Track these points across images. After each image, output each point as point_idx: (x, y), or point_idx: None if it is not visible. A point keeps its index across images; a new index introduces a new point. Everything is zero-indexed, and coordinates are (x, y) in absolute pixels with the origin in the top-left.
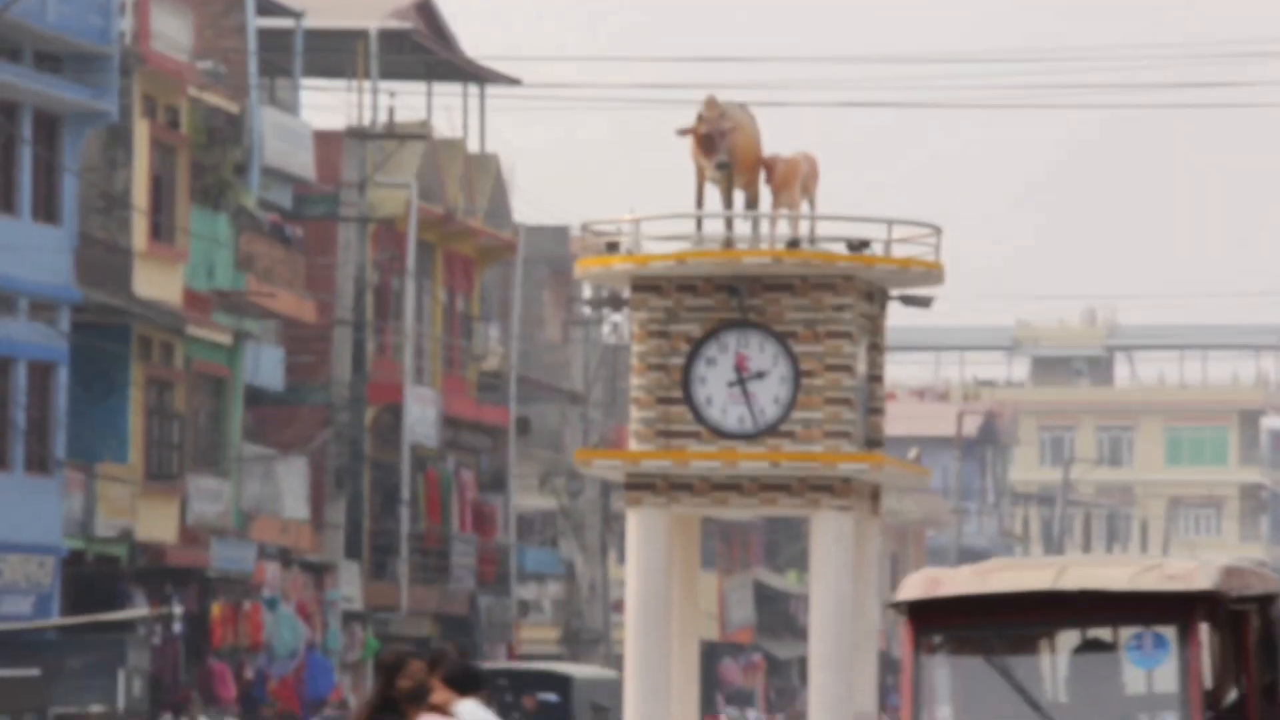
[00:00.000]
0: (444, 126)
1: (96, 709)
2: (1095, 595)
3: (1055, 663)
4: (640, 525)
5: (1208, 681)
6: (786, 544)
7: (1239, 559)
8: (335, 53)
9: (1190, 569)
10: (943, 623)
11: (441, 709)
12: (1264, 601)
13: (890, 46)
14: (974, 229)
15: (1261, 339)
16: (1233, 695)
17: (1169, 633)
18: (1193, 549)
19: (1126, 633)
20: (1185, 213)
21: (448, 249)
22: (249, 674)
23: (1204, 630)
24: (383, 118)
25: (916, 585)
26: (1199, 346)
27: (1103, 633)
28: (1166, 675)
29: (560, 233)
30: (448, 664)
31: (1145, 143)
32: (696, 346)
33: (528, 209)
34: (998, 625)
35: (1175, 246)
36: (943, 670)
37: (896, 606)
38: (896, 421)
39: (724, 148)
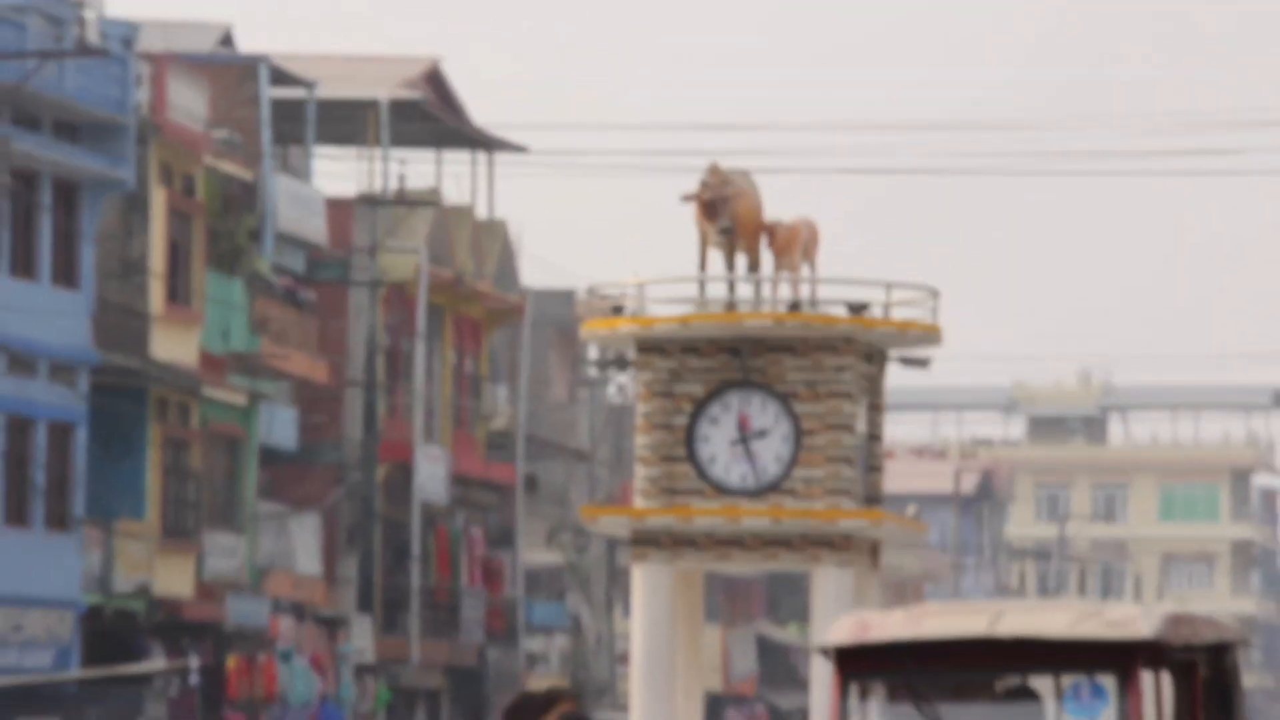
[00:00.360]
0: (453, 193)
1: None
2: (1031, 642)
3: (989, 712)
4: (645, 580)
5: None
6: (788, 597)
7: (1189, 609)
8: (347, 122)
9: (1131, 616)
10: (872, 669)
11: None
12: (1216, 651)
13: (889, 114)
14: (971, 291)
15: (1252, 399)
16: None
17: (1108, 682)
18: (1185, 603)
19: (1065, 682)
20: (1179, 275)
21: (457, 312)
22: None
23: (1147, 680)
24: (393, 185)
25: (845, 629)
26: (1191, 406)
27: (1040, 682)
28: None
29: (566, 296)
30: (569, 706)
31: (1140, 207)
32: (700, 406)
33: (535, 273)
34: (929, 672)
35: (1169, 308)
36: (871, 718)
37: (824, 651)
38: (895, 479)
39: (726, 213)
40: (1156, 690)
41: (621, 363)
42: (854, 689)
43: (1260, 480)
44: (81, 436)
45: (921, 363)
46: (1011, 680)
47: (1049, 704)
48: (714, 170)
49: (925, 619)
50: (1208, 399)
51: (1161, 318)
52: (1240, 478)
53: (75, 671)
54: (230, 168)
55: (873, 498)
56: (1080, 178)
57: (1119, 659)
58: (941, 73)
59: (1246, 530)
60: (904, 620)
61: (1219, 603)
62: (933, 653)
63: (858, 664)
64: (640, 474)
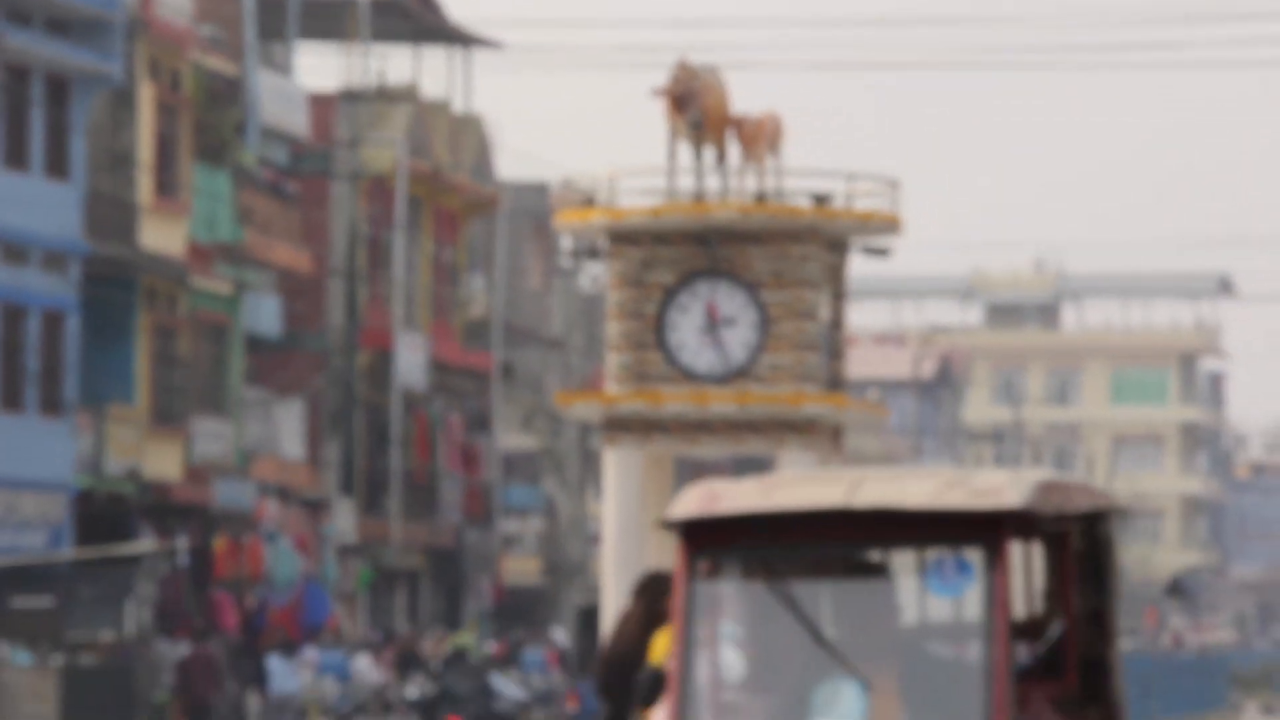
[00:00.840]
0: (431, 88)
1: (106, 636)
2: (891, 513)
3: (846, 589)
4: (617, 463)
5: (1020, 609)
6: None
7: (1063, 474)
8: (328, 18)
9: (999, 484)
10: (721, 543)
11: None
12: (1090, 521)
13: (851, 10)
14: (931, 182)
15: (1199, 285)
16: (1058, 625)
17: (974, 555)
18: (1135, 484)
19: (929, 555)
20: (1130, 165)
21: (435, 204)
22: (250, 604)
23: (1015, 553)
24: (373, 80)
25: (693, 500)
26: (1142, 293)
27: (903, 556)
28: (972, 603)
29: (541, 188)
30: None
31: (1094, 98)
32: (669, 294)
33: (511, 166)
34: (782, 546)
35: (1121, 197)
36: (720, 597)
37: (668, 524)
38: (857, 365)
39: (695, 107)
40: (1026, 563)
41: (594, 252)
42: (701, 566)
43: (1207, 364)
44: (73, 324)
45: (882, 252)
46: (871, 554)
47: (910, 579)
48: (683, 65)
49: (779, 489)
50: (1157, 286)
51: (1114, 206)
52: (1188, 362)
53: (68, 552)
54: (216, 63)
55: (836, 383)
56: (1037, 70)
57: (985, 530)
58: None
59: (1193, 413)
60: (756, 490)
61: (1167, 482)
62: (785, 525)
63: (705, 538)
64: (612, 361)
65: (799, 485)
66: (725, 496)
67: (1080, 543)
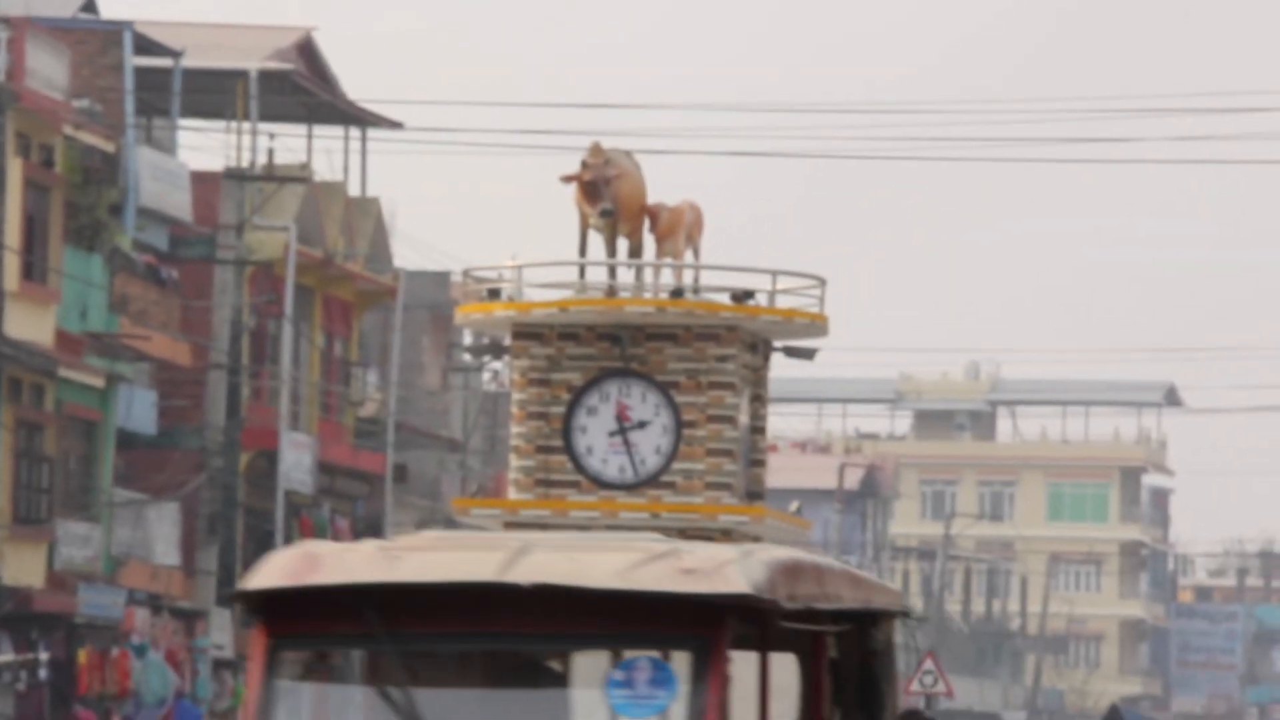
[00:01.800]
0: (324, 169)
1: None
2: (567, 595)
3: (499, 702)
4: None
5: None
6: None
7: (818, 557)
8: (214, 93)
9: (721, 560)
10: (317, 628)
11: None
12: (862, 621)
13: (775, 96)
14: (859, 281)
15: (1144, 396)
16: None
17: (680, 659)
18: (1072, 606)
19: (619, 656)
20: (1070, 269)
21: (327, 293)
22: None
23: (744, 660)
24: (262, 159)
25: (281, 567)
26: (1082, 403)
27: (584, 656)
28: None
29: (441, 278)
30: None
31: (1030, 197)
32: (578, 395)
33: (409, 254)
34: (409, 636)
35: (1059, 302)
36: (310, 706)
37: (244, 598)
38: (778, 474)
39: (608, 195)
40: (762, 672)
41: (497, 349)
42: (286, 659)
43: (1151, 480)
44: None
45: (807, 354)
46: (539, 653)
47: (593, 690)
48: (595, 150)
49: (410, 555)
50: (1099, 395)
51: (1052, 311)
52: (1130, 477)
53: None
54: (91, 138)
55: (755, 493)
56: (970, 164)
57: (698, 624)
58: (829, 56)
59: (1136, 531)
60: (376, 556)
61: (1107, 605)
62: (415, 607)
63: (294, 621)
64: (514, 465)
65: (439, 551)
66: (328, 563)
67: (844, 651)
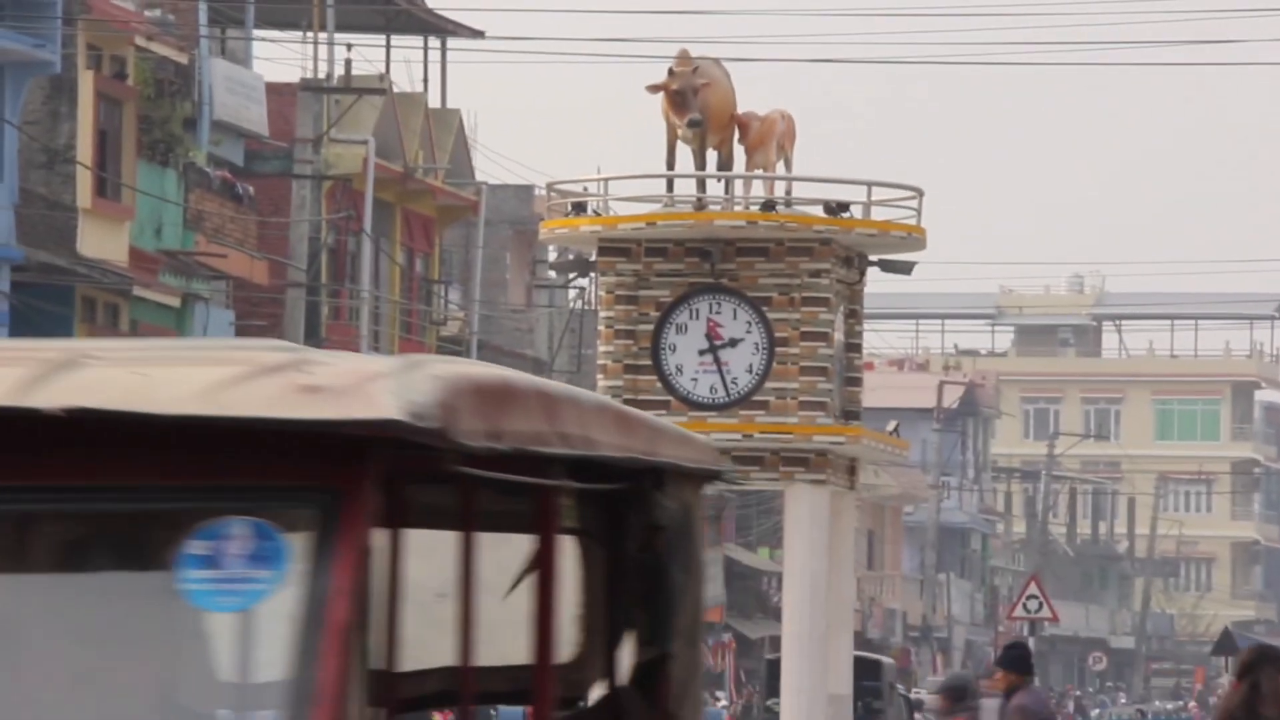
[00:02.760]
0: (403, 80)
1: None
2: (118, 424)
3: (34, 588)
4: None
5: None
6: (759, 519)
7: (553, 382)
8: (289, 2)
9: (365, 374)
10: None
11: None
12: (642, 481)
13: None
14: (958, 192)
15: (1255, 309)
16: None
17: (295, 522)
18: (1182, 527)
19: (198, 523)
20: (1178, 178)
21: (406, 208)
22: None
23: (372, 516)
24: (339, 70)
25: None
26: (1190, 316)
27: (146, 520)
28: (283, 623)
29: (524, 192)
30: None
31: (1136, 104)
32: (666, 312)
33: (491, 167)
34: None
35: (1167, 212)
36: None
37: None
38: (874, 392)
39: (696, 105)
40: (466, 553)
41: (583, 265)
42: None
43: (1264, 396)
44: (3, 338)
45: (904, 268)
46: (68, 516)
47: (156, 575)
48: (683, 58)
49: None
50: (1208, 308)
51: (1158, 222)
52: (1243, 393)
53: None
54: (164, 50)
55: (850, 412)
56: (1071, 69)
57: (320, 469)
58: None
59: (1248, 449)
60: None
61: (1219, 526)
62: None
63: None
64: (602, 385)
65: None
66: None
67: (607, 523)
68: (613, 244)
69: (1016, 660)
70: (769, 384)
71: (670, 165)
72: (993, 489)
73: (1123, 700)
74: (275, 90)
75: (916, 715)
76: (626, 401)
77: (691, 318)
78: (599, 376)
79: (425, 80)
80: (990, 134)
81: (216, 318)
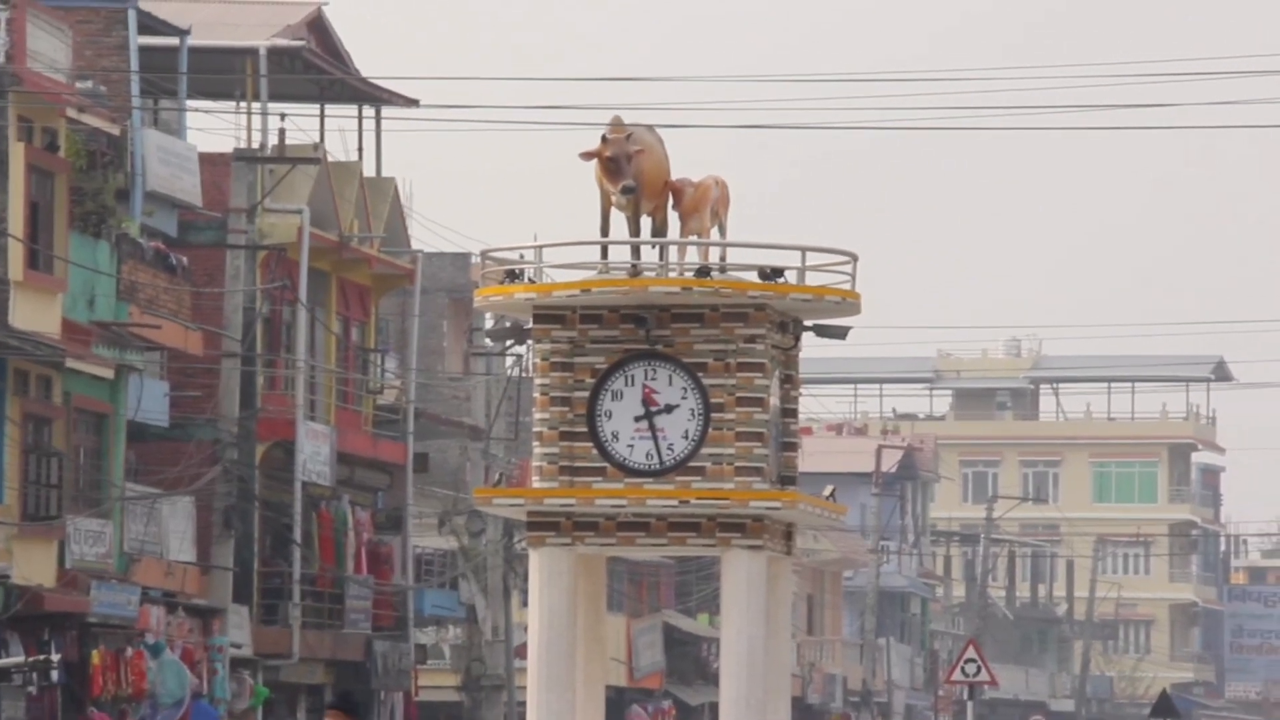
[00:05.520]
0: (338, 149)
1: None
2: None
3: None
4: (543, 566)
5: None
6: (698, 585)
7: None
8: (222, 72)
9: None
10: None
11: None
12: None
13: (802, 66)
14: (893, 255)
15: (1192, 371)
16: None
17: None
18: (1121, 589)
19: None
20: (1113, 241)
21: (342, 277)
22: None
23: None
24: (273, 140)
25: None
26: (1127, 379)
27: None
28: None
29: (461, 260)
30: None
31: (1069, 167)
32: (602, 379)
33: (427, 235)
34: None
35: (1103, 275)
36: None
37: None
38: (812, 457)
39: (630, 172)
40: None
41: (518, 332)
42: None
43: (1201, 458)
44: None
45: (839, 332)
46: None
47: None
48: (616, 125)
49: None
50: (1145, 370)
51: (1094, 285)
52: (1179, 455)
53: None
54: (96, 121)
55: (787, 477)
56: (1008, 135)
57: None
58: (858, 22)
59: (1185, 511)
60: None
61: (1157, 589)
62: None
63: None
64: (538, 452)
65: None
66: None
67: None
68: (548, 311)
69: (343, 699)
70: (705, 450)
71: (604, 232)
72: (932, 552)
73: None
74: (209, 160)
75: None
76: (563, 468)
77: (627, 384)
78: (535, 443)
79: (360, 149)
80: (927, 198)
81: (151, 389)
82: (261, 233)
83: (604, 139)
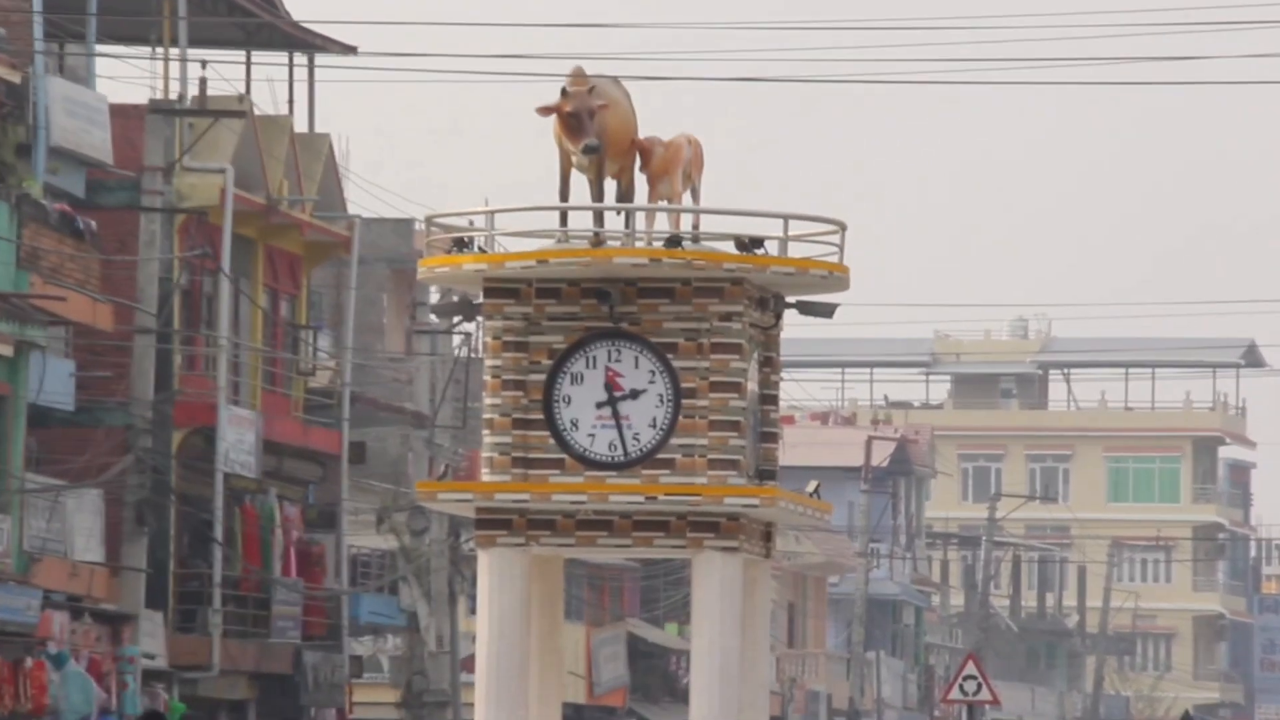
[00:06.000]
0: (265, 102)
1: None
2: None
3: None
4: (493, 568)
5: None
6: (666, 591)
7: None
8: (136, 14)
9: None
10: None
11: None
12: None
13: (793, 10)
14: (886, 227)
15: (1220, 356)
16: None
17: None
18: (1138, 599)
19: None
20: (1132, 211)
21: (270, 245)
22: None
23: None
24: (193, 91)
25: None
26: (1147, 365)
27: None
28: None
29: (403, 227)
30: None
31: (1085, 129)
32: (560, 361)
33: (365, 199)
34: None
35: (1120, 250)
36: None
37: None
38: (794, 449)
39: (593, 129)
40: None
41: (467, 308)
42: None
43: (1229, 453)
44: None
45: (825, 310)
46: None
47: None
48: (577, 76)
49: None
50: (1167, 355)
51: (1112, 259)
52: (1205, 449)
53: None
54: None
55: (766, 471)
56: (1016, 90)
57: None
58: None
59: (1211, 512)
60: None
61: (1179, 599)
62: None
63: None
64: (488, 441)
65: None
66: None
67: None
68: (500, 284)
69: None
70: (675, 440)
71: (564, 197)
72: (927, 557)
73: None
74: (121, 112)
75: None
76: (516, 460)
77: (588, 366)
78: (485, 432)
79: (290, 101)
80: (924, 162)
81: (55, 368)
82: (180, 194)
83: (564, 92)
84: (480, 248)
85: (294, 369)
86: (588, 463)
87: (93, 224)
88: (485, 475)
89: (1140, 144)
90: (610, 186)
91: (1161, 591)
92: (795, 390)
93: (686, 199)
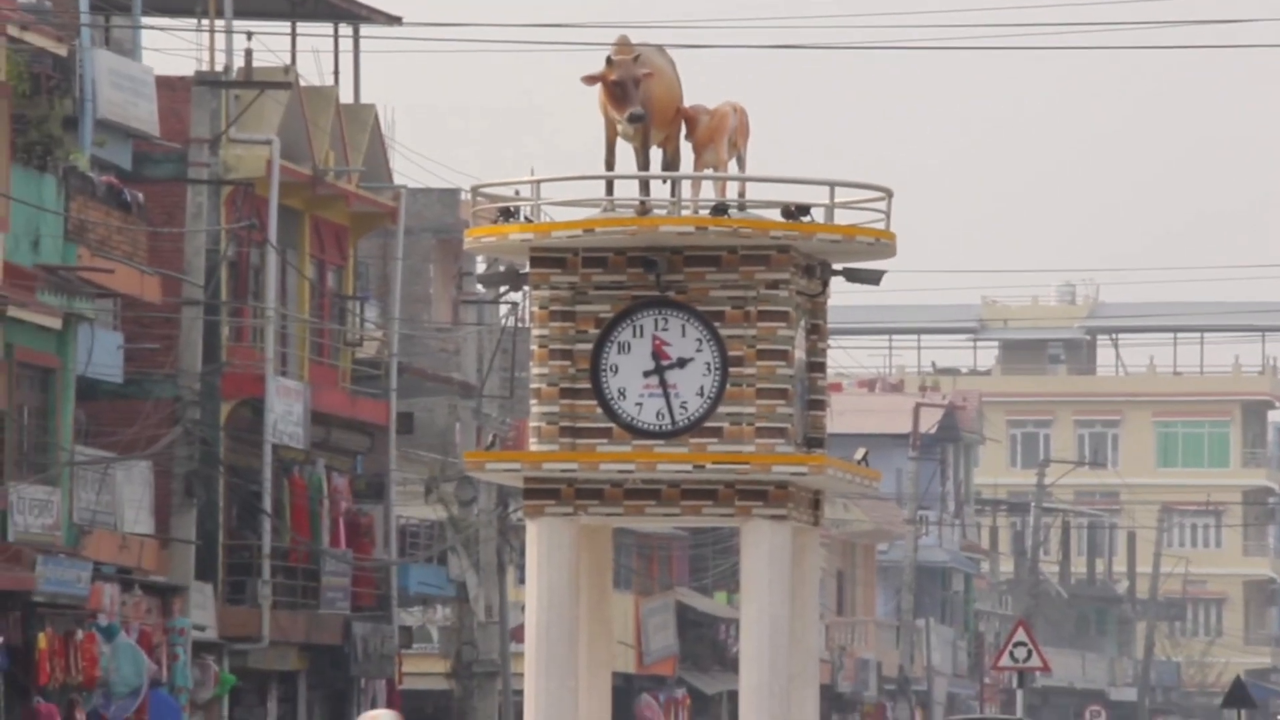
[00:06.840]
0: (311, 73)
1: None
2: None
3: None
4: (542, 538)
5: None
6: (714, 560)
7: None
8: None
9: None
10: None
11: None
12: None
13: None
14: (933, 193)
15: (1269, 319)
16: None
17: None
18: (1188, 564)
19: None
20: (1180, 175)
21: (316, 216)
22: (81, 716)
23: None
24: (239, 62)
25: None
26: (1195, 329)
27: None
28: None
29: (449, 197)
30: None
31: (1129, 92)
32: (607, 330)
33: (411, 169)
34: None
35: (1168, 214)
36: None
37: None
38: (842, 416)
39: (638, 98)
40: None
41: (514, 277)
42: None
43: (1278, 417)
44: None
45: (872, 277)
46: None
47: None
48: (622, 45)
49: None
50: (1215, 319)
51: (1160, 222)
52: (1255, 413)
53: None
54: (40, 41)
55: (814, 439)
56: (1062, 54)
57: None
58: None
59: (1261, 476)
60: None
61: (1229, 564)
62: None
63: None
64: (536, 411)
65: None
66: None
67: None
68: (546, 254)
69: None
70: (722, 408)
71: (610, 165)
72: (976, 523)
73: None
74: (167, 85)
75: None
76: (563, 429)
77: (635, 335)
78: (533, 402)
79: (336, 72)
80: (971, 128)
81: (103, 341)
82: (226, 166)
83: (609, 61)
84: (526, 217)
85: (341, 340)
86: (635, 431)
87: (140, 196)
88: (533, 445)
89: (1186, 97)
90: (656, 155)
91: (1211, 556)
92: (843, 357)
93: (732, 167)
